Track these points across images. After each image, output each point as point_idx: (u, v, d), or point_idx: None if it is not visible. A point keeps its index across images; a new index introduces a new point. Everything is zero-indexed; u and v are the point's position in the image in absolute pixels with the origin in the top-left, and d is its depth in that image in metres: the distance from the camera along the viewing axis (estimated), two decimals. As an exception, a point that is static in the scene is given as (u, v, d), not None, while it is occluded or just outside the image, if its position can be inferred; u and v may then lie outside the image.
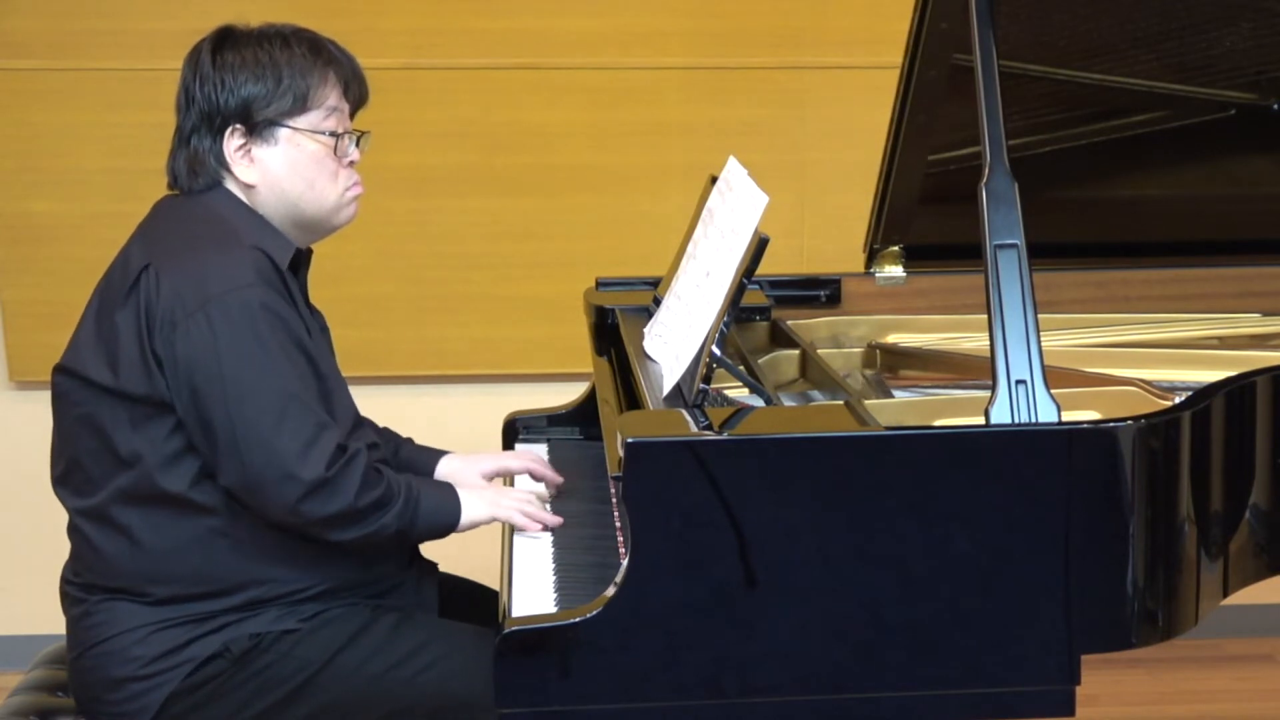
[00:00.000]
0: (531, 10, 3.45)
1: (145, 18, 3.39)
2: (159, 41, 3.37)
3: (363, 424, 2.29)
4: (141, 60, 3.38)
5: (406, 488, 2.15)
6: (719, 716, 1.87)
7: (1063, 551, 1.88)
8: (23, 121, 3.41)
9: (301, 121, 2.15)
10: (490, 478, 2.44)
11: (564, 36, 3.46)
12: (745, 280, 2.01)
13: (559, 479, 2.42)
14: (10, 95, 3.40)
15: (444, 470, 2.44)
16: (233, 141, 2.14)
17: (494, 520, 2.23)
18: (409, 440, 2.50)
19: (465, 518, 2.20)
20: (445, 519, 2.18)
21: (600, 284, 2.77)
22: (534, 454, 2.52)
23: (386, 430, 2.49)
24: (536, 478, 2.43)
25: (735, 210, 2.16)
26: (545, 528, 2.23)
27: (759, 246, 2.00)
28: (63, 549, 2.24)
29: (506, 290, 3.56)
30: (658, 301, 2.47)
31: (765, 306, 2.63)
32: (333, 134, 2.17)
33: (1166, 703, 3.49)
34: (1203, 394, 2.01)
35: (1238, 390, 2.06)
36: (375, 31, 3.33)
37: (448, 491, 2.22)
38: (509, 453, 2.58)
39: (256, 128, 2.14)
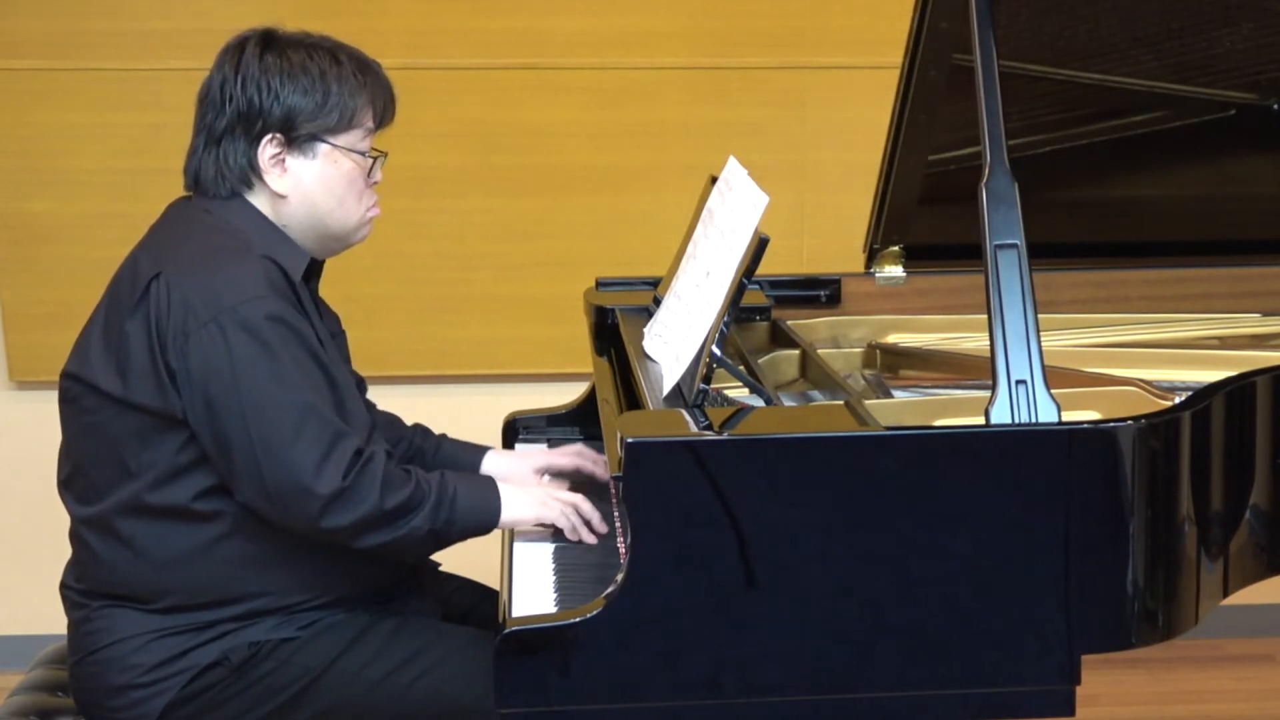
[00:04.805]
0: (531, 10, 3.45)
1: (145, 18, 3.39)
2: (159, 41, 3.38)
3: (376, 431, 2.24)
4: (141, 60, 3.39)
5: (439, 487, 2.09)
6: (719, 716, 1.87)
7: (1063, 551, 1.88)
8: (23, 121, 3.41)
9: (342, 139, 2.12)
10: (541, 474, 2.42)
11: (564, 36, 3.46)
12: (745, 280, 2.01)
13: (606, 476, 2.37)
14: (10, 95, 3.40)
15: (492, 467, 2.42)
16: (268, 150, 2.10)
17: (539, 521, 2.18)
18: (445, 436, 2.47)
19: (506, 515, 2.15)
20: (484, 517, 2.13)
21: (600, 284, 2.77)
22: (579, 447, 2.49)
23: (420, 427, 2.47)
24: (584, 474, 2.42)
25: (735, 210, 2.16)
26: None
27: (759, 246, 1.99)
28: (63, 549, 2.23)
29: (506, 290, 3.56)
30: (658, 301, 2.47)
31: (765, 306, 2.63)
32: (368, 155, 2.16)
33: (1166, 703, 3.48)
34: (1203, 394, 2.01)
35: (1238, 390, 2.06)
36: (375, 31, 3.32)
37: (487, 487, 2.17)
38: (557, 449, 2.52)
39: (297, 140, 2.10)
